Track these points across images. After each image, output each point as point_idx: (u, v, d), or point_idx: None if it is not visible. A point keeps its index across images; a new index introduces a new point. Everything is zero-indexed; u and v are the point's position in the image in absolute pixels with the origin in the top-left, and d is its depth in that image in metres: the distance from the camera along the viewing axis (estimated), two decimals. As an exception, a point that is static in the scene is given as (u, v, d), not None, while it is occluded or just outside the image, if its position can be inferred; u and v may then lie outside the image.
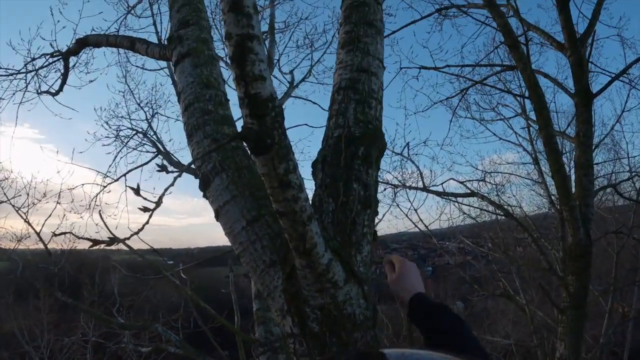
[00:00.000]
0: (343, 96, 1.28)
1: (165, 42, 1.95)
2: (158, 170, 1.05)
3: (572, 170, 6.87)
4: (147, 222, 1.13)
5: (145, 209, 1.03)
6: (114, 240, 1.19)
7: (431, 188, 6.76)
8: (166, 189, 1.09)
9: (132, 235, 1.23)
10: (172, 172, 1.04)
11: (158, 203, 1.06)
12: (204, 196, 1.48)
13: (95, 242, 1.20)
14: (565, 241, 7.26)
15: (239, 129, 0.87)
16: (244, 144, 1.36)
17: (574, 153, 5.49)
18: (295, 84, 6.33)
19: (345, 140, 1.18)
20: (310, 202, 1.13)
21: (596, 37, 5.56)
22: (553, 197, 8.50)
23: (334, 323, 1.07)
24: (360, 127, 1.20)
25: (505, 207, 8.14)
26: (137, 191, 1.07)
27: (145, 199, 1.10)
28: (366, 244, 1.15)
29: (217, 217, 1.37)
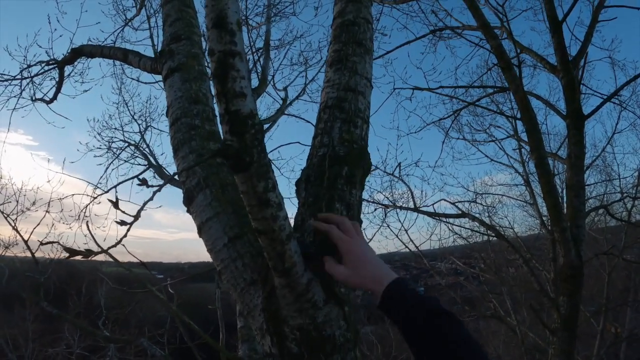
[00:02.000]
0: (329, 115, 1.28)
1: (157, 56, 1.95)
2: (138, 184, 1.02)
3: (564, 191, 6.91)
4: (124, 236, 1.11)
5: (122, 223, 1.02)
6: (90, 251, 1.17)
7: (422, 208, 6.78)
8: (145, 203, 1.08)
9: (110, 248, 1.21)
10: (152, 186, 1.02)
11: (136, 217, 1.05)
12: (188, 211, 1.47)
13: (72, 252, 1.18)
14: (557, 262, 7.27)
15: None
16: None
17: (566, 174, 5.54)
18: (289, 102, 6.37)
19: (329, 159, 1.17)
20: (293, 220, 1.12)
21: (588, 60, 5.66)
22: (544, 218, 8.54)
23: (313, 344, 1.05)
24: (345, 146, 1.20)
25: (497, 228, 8.17)
26: (115, 204, 1.06)
27: (123, 212, 1.08)
28: None
29: (200, 233, 1.36)
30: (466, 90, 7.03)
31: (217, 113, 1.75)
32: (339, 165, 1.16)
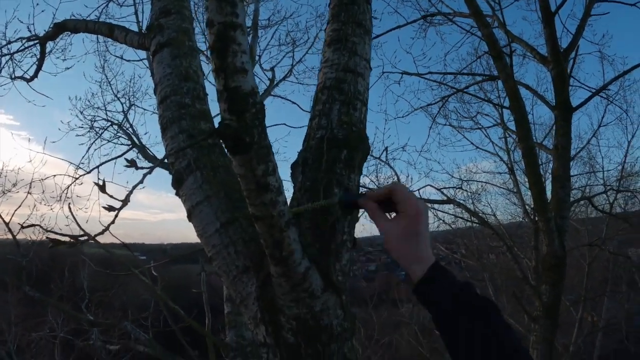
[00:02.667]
0: (327, 96, 1.23)
1: (145, 31, 1.86)
2: (127, 166, 0.96)
3: (547, 182, 7.00)
4: (112, 222, 1.05)
5: (110, 208, 0.96)
6: (75, 241, 1.10)
7: None
8: (134, 187, 1.02)
9: (97, 235, 1.14)
10: (142, 168, 0.96)
11: (125, 202, 0.98)
12: (177, 194, 1.40)
13: (57, 242, 1.11)
14: (538, 250, 7.41)
15: (217, 125, 0.81)
16: (221, 141, 1.29)
17: (552, 165, 5.59)
18: (275, 82, 6.26)
19: (328, 142, 1.12)
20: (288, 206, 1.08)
21: (578, 53, 5.68)
22: (527, 207, 8.66)
23: (310, 334, 1.01)
24: (344, 129, 1.15)
25: (480, 215, 8.25)
26: (102, 188, 0.99)
27: (111, 196, 1.02)
28: (345, 252, 1.09)
29: (190, 217, 1.30)
30: (455, 77, 7.02)
31: (208, 92, 1.69)
32: (338, 149, 1.11)
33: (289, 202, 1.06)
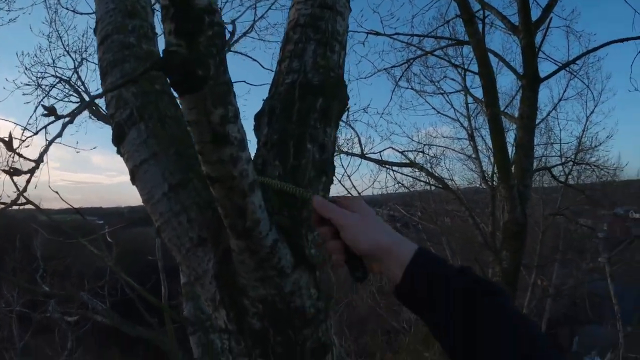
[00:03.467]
0: (301, 34, 1.01)
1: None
2: (45, 115, 0.73)
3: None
4: (25, 188, 0.83)
5: (13, 172, 0.73)
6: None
7: (369, 155, 6.72)
8: (50, 143, 0.84)
9: (10, 205, 0.92)
10: (62, 116, 0.76)
11: (37, 162, 0.77)
12: (119, 152, 1.18)
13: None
14: (495, 217, 7.60)
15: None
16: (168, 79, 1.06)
17: (515, 134, 5.61)
18: (236, 38, 5.86)
19: (301, 88, 0.92)
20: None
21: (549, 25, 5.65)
22: (485, 174, 8.82)
23: (279, 318, 0.85)
24: (320, 74, 0.94)
25: (440, 179, 8.32)
26: (8, 145, 0.76)
27: (20, 155, 0.80)
28: None
29: (133, 179, 1.08)
30: (420, 41, 6.88)
31: (157, 31, 1.43)
32: (313, 96, 0.91)
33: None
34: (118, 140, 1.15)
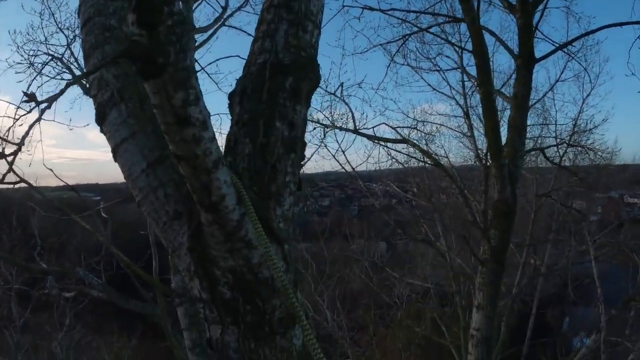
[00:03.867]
0: (274, 15, 1.04)
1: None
2: (25, 101, 0.77)
3: (501, 129, 7.07)
4: (10, 168, 0.87)
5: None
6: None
7: (362, 131, 6.73)
8: (31, 126, 0.85)
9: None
10: (43, 102, 0.79)
11: (20, 145, 0.81)
12: (102, 131, 1.22)
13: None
14: (487, 195, 7.65)
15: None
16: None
17: (509, 113, 5.62)
18: (230, 11, 5.75)
19: (271, 68, 0.96)
20: (225, 141, 0.93)
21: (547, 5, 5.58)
22: (480, 152, 8.84)
23: (248, 289, 0.91)
24: (291, 53, 0.98)
25: (434, 156, 8.34)
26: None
27: (5, 140, 0.84)
28: (288, 195, 0.96)
29: (115, 157, 1.13)
30: (418, 16, 6.80)
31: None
32: (283, 76, 0.95)
33: (225, 138, 0.92)
34: (100, 120, 1.19)
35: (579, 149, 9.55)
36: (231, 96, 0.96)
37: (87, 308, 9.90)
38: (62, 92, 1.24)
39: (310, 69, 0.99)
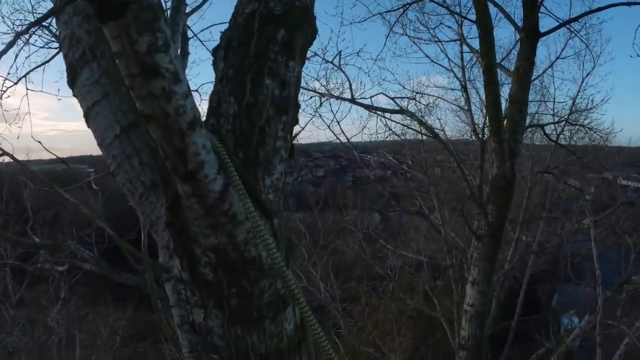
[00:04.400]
0: (264, -40, 0.91)
1: None
2: None
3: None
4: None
5: None
6: None
7: (359, 101, 6.59)
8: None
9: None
10: None
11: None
12: (74, 95, 1.10)
13: None
14: (483, 170, 7.59)
15: None
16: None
17: (510, 88, 5.49)
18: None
19: (260, 18, 0.82)
20: (208, 102, 0.81)
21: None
22: (476, 126, 8.74)
23: (233, 269, 0.81)
24: (283, 3, 0.84)
25: (431, 129, 8.22)
26: None
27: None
28: (279, 163, 0.85)
29: (87, 121, 1.01)
30: (419, -15, 6.57)
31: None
32: (274, 27, 0.82)
33: (208, 97, 0.80)
34: (72, 81, 1.07)
35: (577, 127, 9.48)
36: (215, 51, 0.83)
37: (82, 281, 9.91)
38: (19, 34, 1.11)
39: (306, 20, 0.85)
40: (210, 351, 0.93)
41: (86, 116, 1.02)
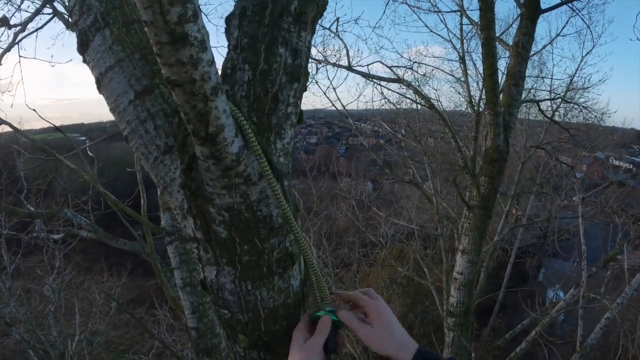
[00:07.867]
0: None
1: None
2: None
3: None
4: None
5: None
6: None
7: (356, 68, 6.57)
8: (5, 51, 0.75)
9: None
10: (15, 26, 0.70)
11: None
12: (85, 61, 1.12)
13: None
14: (477, 141, 7.67)
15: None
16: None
17: (508, 61, 5.49)
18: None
19: (275, -11, 0.87)
20: (221, 68, 0.85)
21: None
22: (472, 98, 8.77)
23: (246, 227, 0.87)
24: (296, -26, 0.88)
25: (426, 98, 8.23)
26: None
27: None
28: (290, 128, 0.89)
29: (99, 87, 1.05)
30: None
31: None
32: (287, -2, 0.86)
33: (220, 65, 0.84)
34: (83, 47, 1.09)
35: (572, 105, 9.53)
36: (229, 19, 0.86)
37: (77, 249, 9.97)
38: (37, 12, 1.13)
39: (317, -9, 0.89)
40: (220, 306, 1.00)
41: (98, 82, 1.05)
